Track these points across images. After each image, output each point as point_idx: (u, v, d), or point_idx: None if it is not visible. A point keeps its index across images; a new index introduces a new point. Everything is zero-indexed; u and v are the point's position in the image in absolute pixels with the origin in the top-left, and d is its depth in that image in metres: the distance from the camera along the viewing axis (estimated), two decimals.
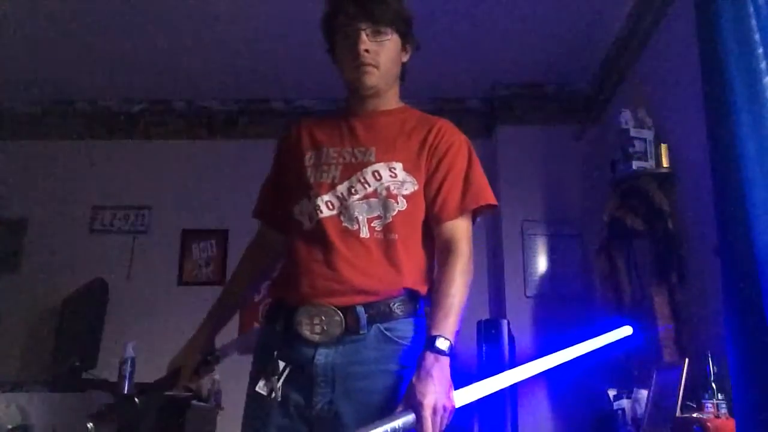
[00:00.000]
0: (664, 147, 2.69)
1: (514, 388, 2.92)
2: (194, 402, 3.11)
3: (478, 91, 3.84)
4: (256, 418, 1.32)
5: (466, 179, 1.44)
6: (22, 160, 3.92)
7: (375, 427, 1.13)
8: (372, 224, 1.35)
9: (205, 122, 4.02)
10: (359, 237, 1.34)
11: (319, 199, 1.38)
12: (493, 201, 1.46)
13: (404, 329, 1.33)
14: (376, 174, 1.39)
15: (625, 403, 2.61)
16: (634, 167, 2.71)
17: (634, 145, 2.73)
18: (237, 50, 3.45)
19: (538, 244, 3.60)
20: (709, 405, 2.05)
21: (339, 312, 1.29)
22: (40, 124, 3.99)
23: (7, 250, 3.75)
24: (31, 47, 3.41)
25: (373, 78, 1.43)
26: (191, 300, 3.68)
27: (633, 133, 2.75)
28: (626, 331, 1.61)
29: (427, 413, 1.16)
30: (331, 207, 1.37)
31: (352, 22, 1.41)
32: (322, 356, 1.28)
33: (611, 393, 2.70)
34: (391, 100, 1.53)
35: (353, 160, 1.41)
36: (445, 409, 1.19)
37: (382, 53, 1.43)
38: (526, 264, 3.56)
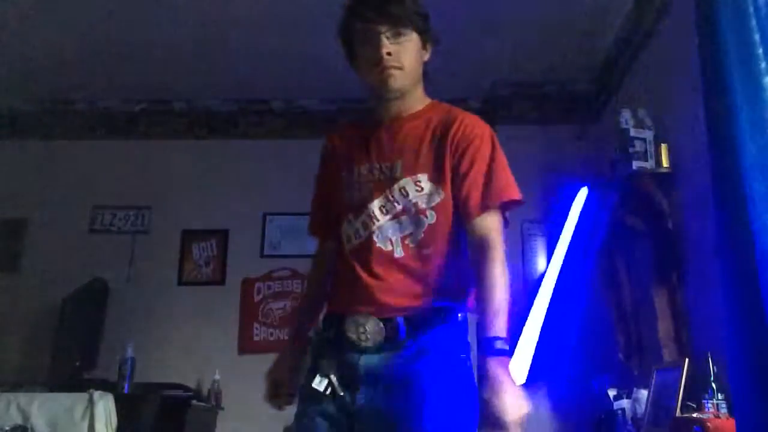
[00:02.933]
0: (664, 147, 2.69)
1: None
2: (194, 402, 3.12)
3: (478, 91, 3.84)
4: (310, 407, 1.39)
5: (488, 174, 1.46)
6: (22, 160, 3.92)
7: None
8: (405, 242, 1.41)
9: (205, 122, 4.03)
10: (394, 257, 1.40)
11: (357, 221, 1.44)
12: (516, 196, 1.47)
13: (441, 338, 1.37)
14: (403, 191, 1.43)
15: (625, 403, 2.61)
16: (634, 167, 2.71)
17: (634, 145, 2.72)
18: (237, 50, 3.45)
19: (538, 244, 3.59)
20: (709, 405, 2.05)
21: (381, 322, 1.36)
22: (40, 124, 4.00)
23: (7, 250, 3.76)
24: (31, 47, 3.41)
25: (398, 80, 1.45)
26: (191, 300, 3.70)
27: (633, 133, 2.75)
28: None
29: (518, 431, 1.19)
30: (366, 228, 1.43)
31: (370, 25, 1.42)
32: (365, 360, 1.36)
33: (611, 393, 2.70)
34: (417, 101, 1.56)
35: (381, 177, 1.45)
36: (526, 416, 1.21)
37: (404, 54, 1.45)
38: (526, 264, 3.56)
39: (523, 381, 1.25)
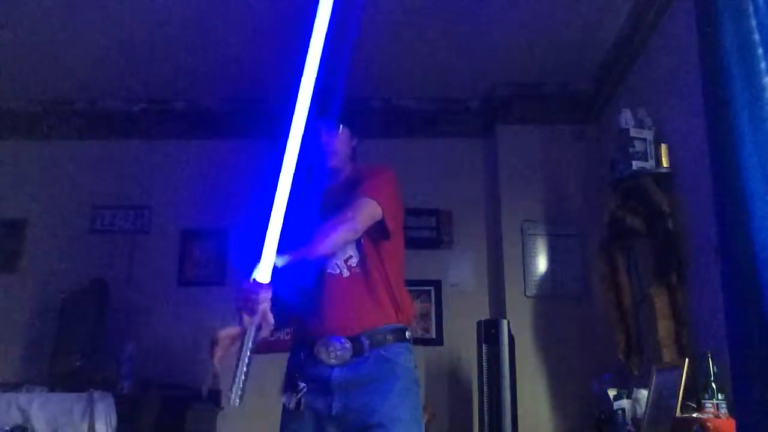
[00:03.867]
0: (664, 147, 2.69)
1: (513, 388, 2.92)
2: (194, 402, 3.12)
3: (478, 91, 3.84)
4: (284, 424, 1.74)
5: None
6: (22, 160, 3.92)
7: None
8: (348, 263, 1.78)
9: (205, 122, 4.02)
10: (343, 277, 1.77)
11: None
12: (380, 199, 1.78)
13: (396, 351, 1.74)
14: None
15: (625, 403, 2.61)
16: (634, 167, 2.71)
17: (634, 145, 2.73)
18: (237, 50, 3.45)
19: (538, 244, 3.60)
20: (709, 405, 2.05)
21: (349, 341, 1.71)
22: (40, 124, 4.00)
23: (6, 250, 3.75)
24: (31, 47, 3.41)
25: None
26: (191, 300, 3.70)
27: (633, 133, 2.75)
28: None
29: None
30: (348, 265, 1.79)
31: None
32: (337, 374, 1.70)
33: (611, 393, 2.70)
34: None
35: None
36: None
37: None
38: (526, 264, 3.56)
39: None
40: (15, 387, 2.77)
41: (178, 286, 3.74)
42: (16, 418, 2.43)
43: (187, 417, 2.95)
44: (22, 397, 2.50)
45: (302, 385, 1.71)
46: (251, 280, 1.45)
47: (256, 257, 1.46)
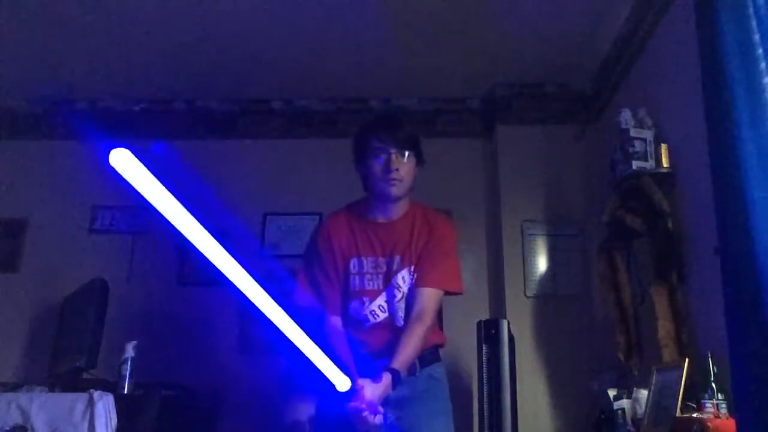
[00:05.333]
0: (664, 147, 2.69)
1: (513, 388, 2.92)
2: (194, 402, 3.12)
3: (478, 91, 3.84)
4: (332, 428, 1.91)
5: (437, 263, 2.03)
6: (22, 160, 3.92)
7: None
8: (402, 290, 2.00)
9: (206, 122, 4.02)
10: (400, 326, 1.97)
11: (373, 304, 1.97)
12: (452, 288, 2.05)
13: (440, 371, 2.06)
14: (402, 278, 1.99)
15: (625, 403, 2.61)
16: (634, 167, 2.71)
17: (634, 145, 2.72)
18: (237, 50, 3.45)
19: (538, 244, 3.60)
20: (709, 405, 2.05)
21: None
22: (40, 124, 3.99)
23: (7, 250, 3.75)
24: (31, 47, 3.41)
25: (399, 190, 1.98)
26: (191, 300, 3.69)
27: (633, 133, 2.75)
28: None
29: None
30: (383, 310, 1.97)
31: (384, 146, 1.95)
32: (394, 390, 1.86)
33: (611, 393, 2.70)
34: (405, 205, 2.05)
35: (386, 268, 1.98)
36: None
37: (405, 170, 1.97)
38: (526, 264, 3.56)
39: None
40: (15, 387, 2.77)
41: (178, 286, 3.74)
42: (16, 418, 2.43)
43: (187, 417, 2.95)
44: (22, 397, 2.50)
45: None
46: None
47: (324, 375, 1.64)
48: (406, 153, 1.95)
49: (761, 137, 1.66)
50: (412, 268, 1.98)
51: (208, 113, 4.02)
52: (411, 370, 1.93)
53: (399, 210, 2.02)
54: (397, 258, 1.98)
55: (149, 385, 2.81)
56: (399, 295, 1.98)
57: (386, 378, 1.80)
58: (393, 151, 1.93)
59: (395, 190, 1.95)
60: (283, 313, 1.39)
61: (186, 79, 3.76)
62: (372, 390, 1.76)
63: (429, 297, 1.97)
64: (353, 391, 1.73)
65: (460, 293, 2.09)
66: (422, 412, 1.93)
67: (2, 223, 3.80)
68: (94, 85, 3.82)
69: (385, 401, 1.84)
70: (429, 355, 2.02)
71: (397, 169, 1.92)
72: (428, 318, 1.95)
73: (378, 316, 1.97)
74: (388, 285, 1.98)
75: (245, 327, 3.65)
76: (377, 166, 1.94)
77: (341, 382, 1.69)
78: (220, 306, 3.68)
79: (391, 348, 1.90)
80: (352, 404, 1.73)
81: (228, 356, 3.57)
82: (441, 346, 2.11)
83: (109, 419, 2.45)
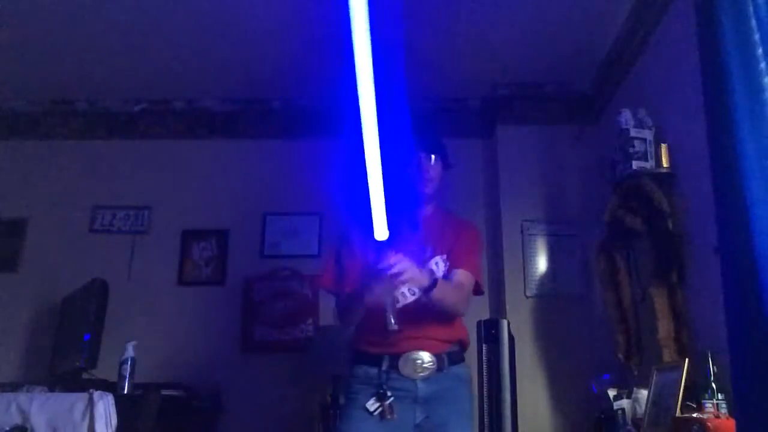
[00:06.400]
0: (664, 147, 2.69)
1: (513, 388, 2.92)
2: (194, 402, 3.12)
3: (478, 91, 3.84)
4: (357, 427, 1.93)
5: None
6: (22, 160, 3.92)
7: None
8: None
9: (205, 122, 4.02)
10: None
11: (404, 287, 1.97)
12: (480, 284, 2.13)
13: (466, 371, 2.09)
14: (436, 264, 2.05)
15: (625, 403, 2.61)
16: (634, 167, 2.71)
17: (634, 145, 2.73)
18: (237, 50, 3.45)
19: (538, 244, 3.60)
20: (709, 405, 2.05)
21: (434, 357, 1.98)
22: (40, 124, 3.99)
23: (6, 250, 3.75)
24: (31, 47, 3.41)
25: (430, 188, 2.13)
26: (191, 300, 3.70)
27: (633, 133, 2.75)
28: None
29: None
30: (412, 293, 1.99)
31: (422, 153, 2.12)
32: (423, 387, 1.96)
33: (611, 393, 2.70)
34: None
35: (420, 254, 2.02)
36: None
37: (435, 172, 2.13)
38: (526, 264, 3.56)
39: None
40: (15, 387, 2.76)
41: (178, 286, 3.74)
42: (15, 418, 2.43)
43: (187, 417, 2.95)
44: (22, 397, 2.50)
45: (389, 394, 1.92)
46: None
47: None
48: (433, 156, 2.11)
49: (761, 137, 1.66)
50: (445, 256, 2.06)
51: (208, 113, 4.02)
52: (440, 365, 1.97)
53: (429, 209, 2.15)
54: (430, 247, 2.07)
55: (149, 385, 2.81)
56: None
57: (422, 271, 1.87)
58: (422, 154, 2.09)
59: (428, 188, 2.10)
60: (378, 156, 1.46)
61: (186, 79, 3.76)
62: (405, 258, 1.79)
63: (465, 275, 2.03)
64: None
65: (482, 294, 2.15)
66: (451, 410, 1.97)
67: (2, 223, 3.80)
68: (94, 85, 3.82)
69: (414, 399, 1.92)
70: (456, 353, 2.07)
71: (427, 171, 2.08)
72: (464, 291, 2.01)
73: (407, 297, 2.00)
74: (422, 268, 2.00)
75: (245, 327, 3.65)
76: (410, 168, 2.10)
77: (383, 232, 1.68)
78: (220, 306, 3.69)
79: (411, 334, 1.94)
80: (383, 262, 1.74)
81: (228, 356, 3.57)
82: (465, 346, 2.14)
83: (109, 419, 2.45)
